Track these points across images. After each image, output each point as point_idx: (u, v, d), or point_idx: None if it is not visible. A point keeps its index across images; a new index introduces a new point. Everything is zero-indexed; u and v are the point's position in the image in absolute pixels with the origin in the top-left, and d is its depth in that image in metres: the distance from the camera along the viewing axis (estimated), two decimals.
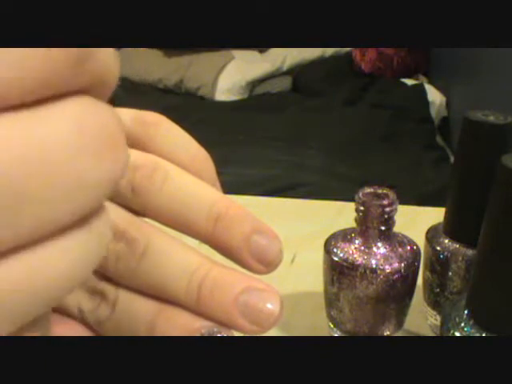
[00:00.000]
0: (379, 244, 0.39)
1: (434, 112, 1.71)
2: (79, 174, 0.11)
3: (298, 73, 1.93)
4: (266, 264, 0.19)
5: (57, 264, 0.11)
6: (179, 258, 0.19)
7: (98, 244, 0.12)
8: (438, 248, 0.41)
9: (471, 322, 0.30)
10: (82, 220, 0.12)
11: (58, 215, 0.11)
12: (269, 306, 0.18)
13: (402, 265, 0.39)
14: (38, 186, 0.10)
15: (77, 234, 0.12)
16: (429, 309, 0.44)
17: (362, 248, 0.39)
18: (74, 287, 0.12)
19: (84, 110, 0.11)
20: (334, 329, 0.42)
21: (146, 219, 0.20)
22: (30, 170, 0.10)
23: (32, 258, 0.11)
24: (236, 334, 0.18)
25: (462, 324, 0.31)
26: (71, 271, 0.11)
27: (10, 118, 0.10)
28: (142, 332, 0.18)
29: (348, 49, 2.00)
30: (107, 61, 0.12)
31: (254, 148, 1.41)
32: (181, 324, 0.18)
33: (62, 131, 0.11)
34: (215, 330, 0.18)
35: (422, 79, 1.93)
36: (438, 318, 0.42)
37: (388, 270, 0.38)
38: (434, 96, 1.75)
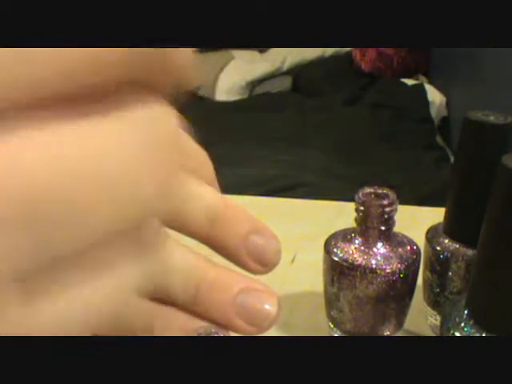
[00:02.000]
0: (379, 244, 0.39)
1: (434, 112, 1.71)
2: (136, 189, 0.11)
3: (297, 73, 1.93)
4: (263, 264, 0.19)
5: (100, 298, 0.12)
6: (177, 258, 0.19)
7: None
8: (438, 248, 0.41)
9: (471, 322, 0.30)
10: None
11: (108, 228, 0.11)
12: (266, 306, 0.18)
13: (402, 265, 0.39)
14: (96, 200, 0.10)
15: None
16: (429, 309, 0.44)
17: (362, 248, 0.39)
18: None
19: (154, 118, 0.11)
20: (334, 329, 0.42)
21: None
22: (86, 183, 0.10)
23: (84, 292, 0.11)
24: (234, 335, 0.18)
25: (462, 324, 0.30)
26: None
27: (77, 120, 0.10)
28: (140, 332, 0.18)
29: (348, 49, 2.00)
30: (184, 62, 0.12)
31: (254, 148, 1.41)
32: (178, 324, 0.18)
33: (126, 143, 0.10)
34: (212, 330, 0.18)
35: (422, 79, 1.93)
36: (438, 318, 0.42)
37: (388, 270, 0.38)
38: (434, 96, 1.75)
